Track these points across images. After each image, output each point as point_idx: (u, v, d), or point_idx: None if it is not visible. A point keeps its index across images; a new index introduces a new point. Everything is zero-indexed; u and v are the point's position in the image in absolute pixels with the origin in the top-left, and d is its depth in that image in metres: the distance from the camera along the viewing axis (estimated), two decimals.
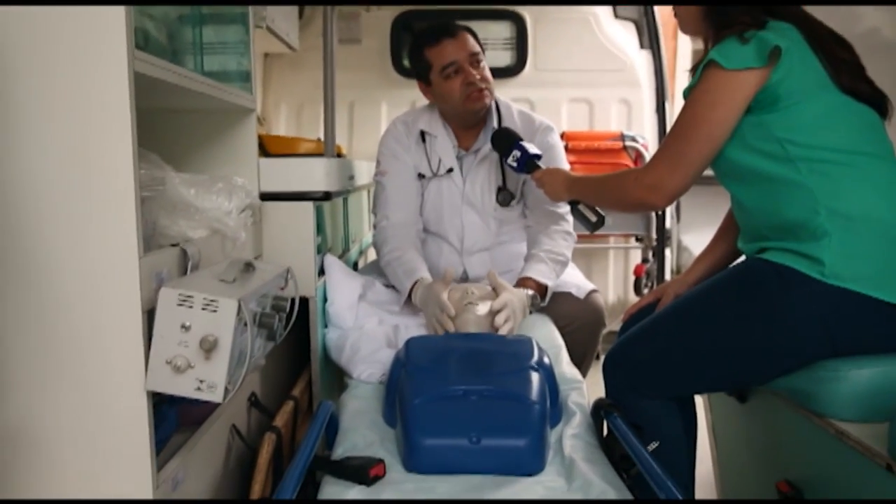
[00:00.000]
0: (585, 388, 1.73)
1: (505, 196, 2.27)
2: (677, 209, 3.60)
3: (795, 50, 1.44)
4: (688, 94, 1.53)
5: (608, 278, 3.84)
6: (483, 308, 1.86)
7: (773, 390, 1.55)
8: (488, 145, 2.24)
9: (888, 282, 1.39)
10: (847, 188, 1.43)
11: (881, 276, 1.39)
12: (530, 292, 2.03)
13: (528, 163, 2.02)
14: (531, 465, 1.35)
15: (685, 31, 1.67)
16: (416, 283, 2.06)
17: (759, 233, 1.54)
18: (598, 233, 1.99)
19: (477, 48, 2.21)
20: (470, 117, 2.26)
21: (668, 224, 3.56)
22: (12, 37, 1.12)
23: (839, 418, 1.39)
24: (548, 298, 2.11)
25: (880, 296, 1.38)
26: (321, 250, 2.07)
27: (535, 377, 1.53)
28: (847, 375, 1.39)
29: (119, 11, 1.11)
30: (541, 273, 2.10)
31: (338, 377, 1.94)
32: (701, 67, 1.48)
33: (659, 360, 1.56)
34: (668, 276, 3.60)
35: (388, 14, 3.74)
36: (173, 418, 1.48)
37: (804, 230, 1.44)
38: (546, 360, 1.64)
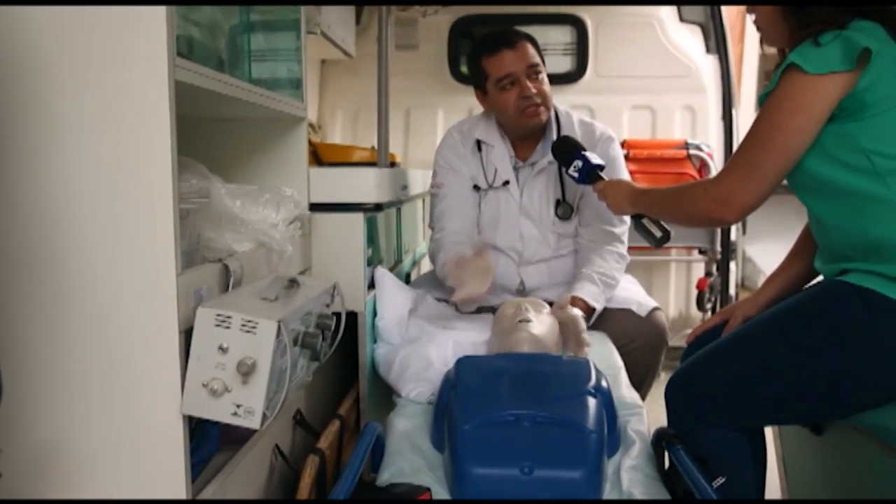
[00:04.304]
0: (645, 414, 1.63)
1: (565, 209, 2.22)
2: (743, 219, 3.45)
3: (886, 52, 1.31)
4: (764, 100, 1.41)
5: (669, 292, 3.72)
6: (538, 326, 1.77)
7: (854, 424, 1.43)
8: (546, 158, 2.19)
9: None
10: None
11: None
12: (580, 314, 1.95)
13: (591, 173, 1.93)
14: (586, 498, 1.27)
15: (770, 43, 1.51)
16: None
17: (841, 252, 1.42)
18: None
19: (536, 59, 2.14)
20: (525, 131, 2.20)
21: (733, 236, 3.43)
22: (47, 41, 1.08)
23: None
24: (593, 320, 2.08)
25: None
26: (371, 262, 2.02)
27: (592, 403, 1.45)
28: None
29: (160, 17, 1.07)
30: (591, 295, 2.08)
31: (386, 394, 1.88)
32: (779, 71, 1.37)
33: (727, 389, 1.45)
34: (732, 291, 3.46)
35: (446, 19, 3.68)
36: (216, 436, 1.44)
37: (893, 251, 1.32)
38: (604, 383, 1.56)
